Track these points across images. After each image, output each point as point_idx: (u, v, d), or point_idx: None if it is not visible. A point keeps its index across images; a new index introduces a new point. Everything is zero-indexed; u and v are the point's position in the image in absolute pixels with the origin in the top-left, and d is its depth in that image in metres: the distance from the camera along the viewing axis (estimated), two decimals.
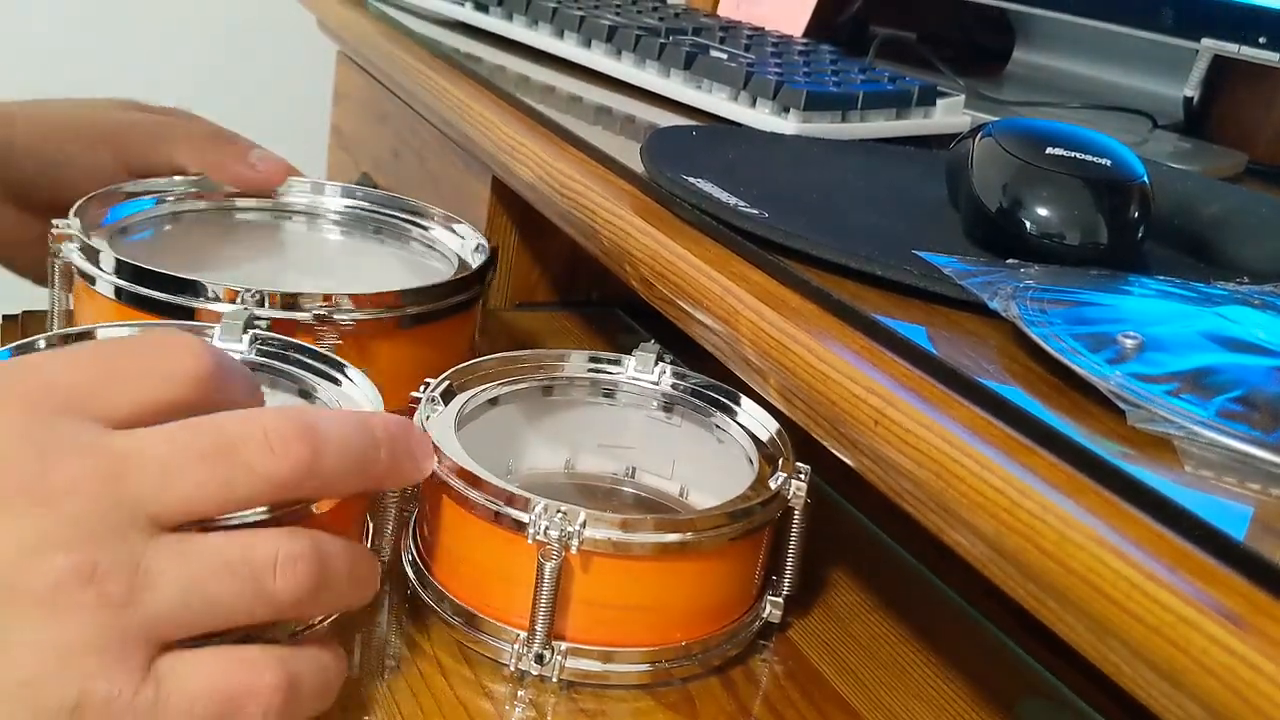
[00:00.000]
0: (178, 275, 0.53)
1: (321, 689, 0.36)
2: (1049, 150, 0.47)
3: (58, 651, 0.29)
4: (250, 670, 0.33)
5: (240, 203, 0.69)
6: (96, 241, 0.56)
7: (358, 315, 0.55)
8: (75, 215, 0.58)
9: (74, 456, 0.31)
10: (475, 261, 0.64)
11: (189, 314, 0.53)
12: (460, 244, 0.68)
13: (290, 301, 0.54)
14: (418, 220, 0.70)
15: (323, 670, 0.36)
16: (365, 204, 0.71)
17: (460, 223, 0.68)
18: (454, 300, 0.60)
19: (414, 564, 0.49)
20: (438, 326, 0.60)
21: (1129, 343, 0.37)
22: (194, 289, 0.53)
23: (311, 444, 0.34)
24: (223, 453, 0.33)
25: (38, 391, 0.32)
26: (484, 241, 0.65)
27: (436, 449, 0.47)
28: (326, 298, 0.54)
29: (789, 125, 0.63)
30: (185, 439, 0.33)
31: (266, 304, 0.53)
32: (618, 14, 0.78)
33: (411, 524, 0.51)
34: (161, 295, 0.53)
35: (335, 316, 0.55)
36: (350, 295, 0.55)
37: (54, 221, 0.57)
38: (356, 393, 0.47)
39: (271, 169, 0.65)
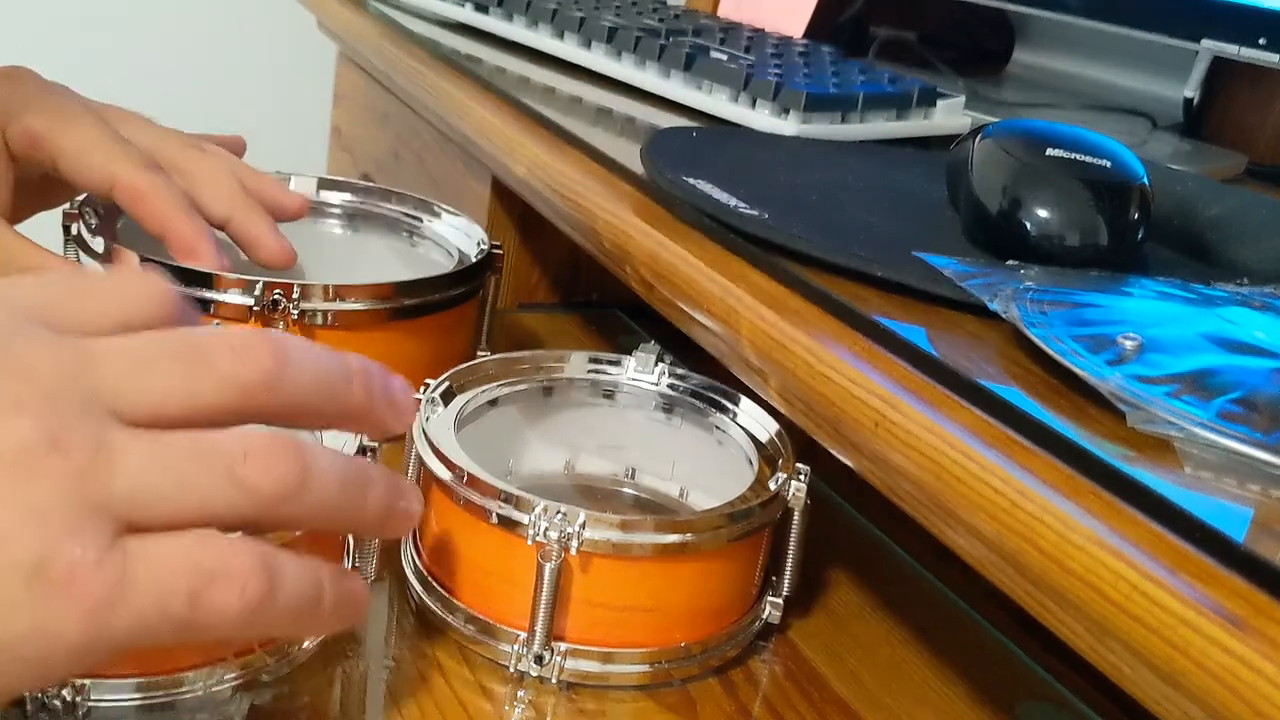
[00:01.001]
0: (188, 267, 0.54)
1: (309, 603, 0.34)
2: (1049, 151, 0.47)
3: (23, 510, 0.29)
4: (226, 551, 0.31)
5: None
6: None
7: (354, 306, 0.56)
8: (84, 205, 0.59)
9: (41, 344, 0.31)
10: (477, 257, 0.64)
11: (201, 305, 0.55)
12: (464, 240, 0.68)
13: (299, 292, 0.55)
14: (421, 215, 0.70)
15: (315, 583, 0.34)
16: (368, 199, 0.71)
17: (464, 219, 0.69)
18: (450, 293, 0.60)
19: (414, 565, 0.49)
20: (434, 319, 0.60)
21: (1129, 344, 0.37)
22: (206, 280, 0.55)
23: (278, 356, 0.33)
24: (189, 354, 0.32)
25: (4, 297, 0.32)
26: (485, 238, 0.66)
27: (437, 449, 0.47)
28: (325, 288, 0.56)
29: (789, 126, 0.63)
30: (152, 340, 0.32)
31: (274, 293, 0.55)
32: (618, 15, 0.78)
33: None
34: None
35: (332, 307, 0.56)
36: (347, 286, 0.56)
37: (64, 210, 0.58)
38: None
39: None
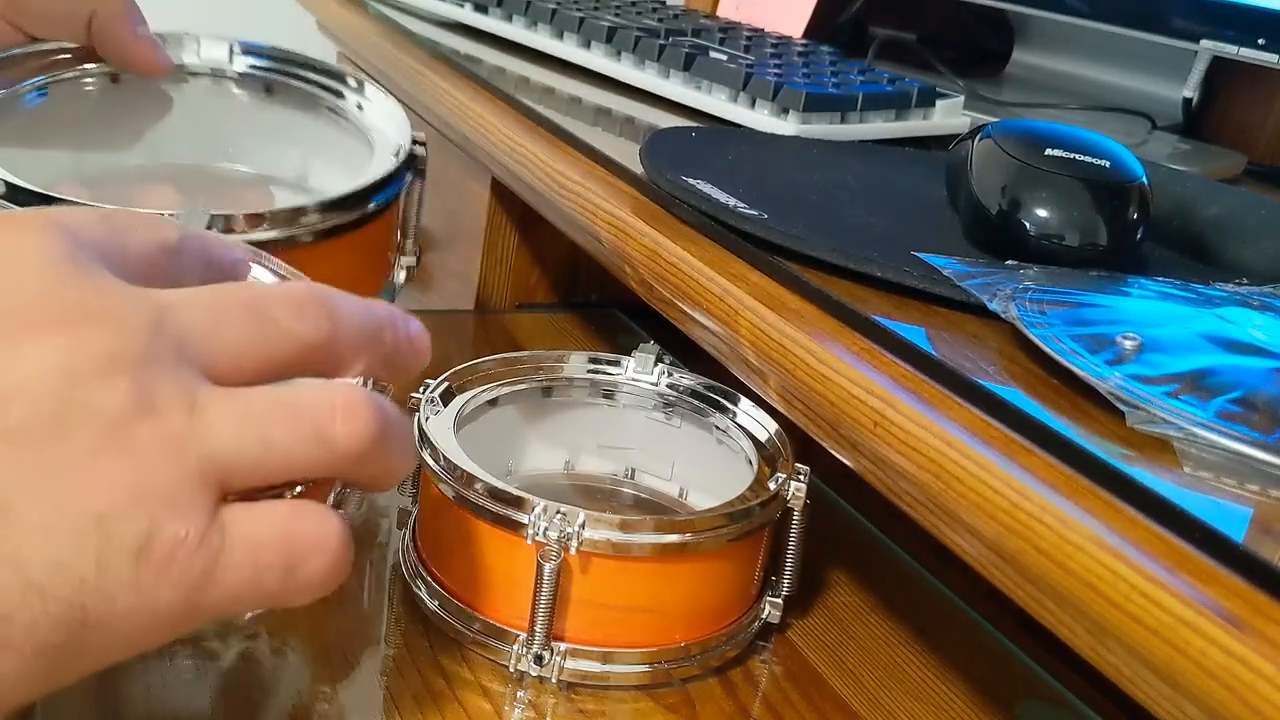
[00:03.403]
0: (52, 194, 0.47)
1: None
2: (1048, 151, 0.47)
3: (126, 486, 0.28)
4: (318, 523, 0.32)
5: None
6: None
7: (260, 235, 0.50)
8: None
9: (125, 289, 0.31)
10: (398, 153, 0.58)
11: None
12: (384, 121, 0.62)
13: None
14: (336, 88, 0.64)
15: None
16: (275, 65, 0.65)
17: (383, 94, 0.63)
18: (369, 210, 0.55)
19: (413, 565, 0.49)
20: (353, 237, 0.54)
21: (1128, 344, 0.37)
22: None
23: (329, 312, 0.34)
24: (257, 309, 0.32)
25: (75, 227, 0.32)
26: (410, 133, 0.59)
27: (437, 449, 0.47)
28: (227, 219, 0.49)
29: (788, 126, 0.63)
30: (216, 293, 0.32)
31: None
32: (617, 15, 0.78)
33: (411, 524, 0.51)
34: None
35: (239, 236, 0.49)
36: (246, 215, 0.49)
37: None
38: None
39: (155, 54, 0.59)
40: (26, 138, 0.57)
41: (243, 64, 0.64)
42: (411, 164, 0.59)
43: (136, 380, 0.29)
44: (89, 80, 0.60)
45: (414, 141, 0.59)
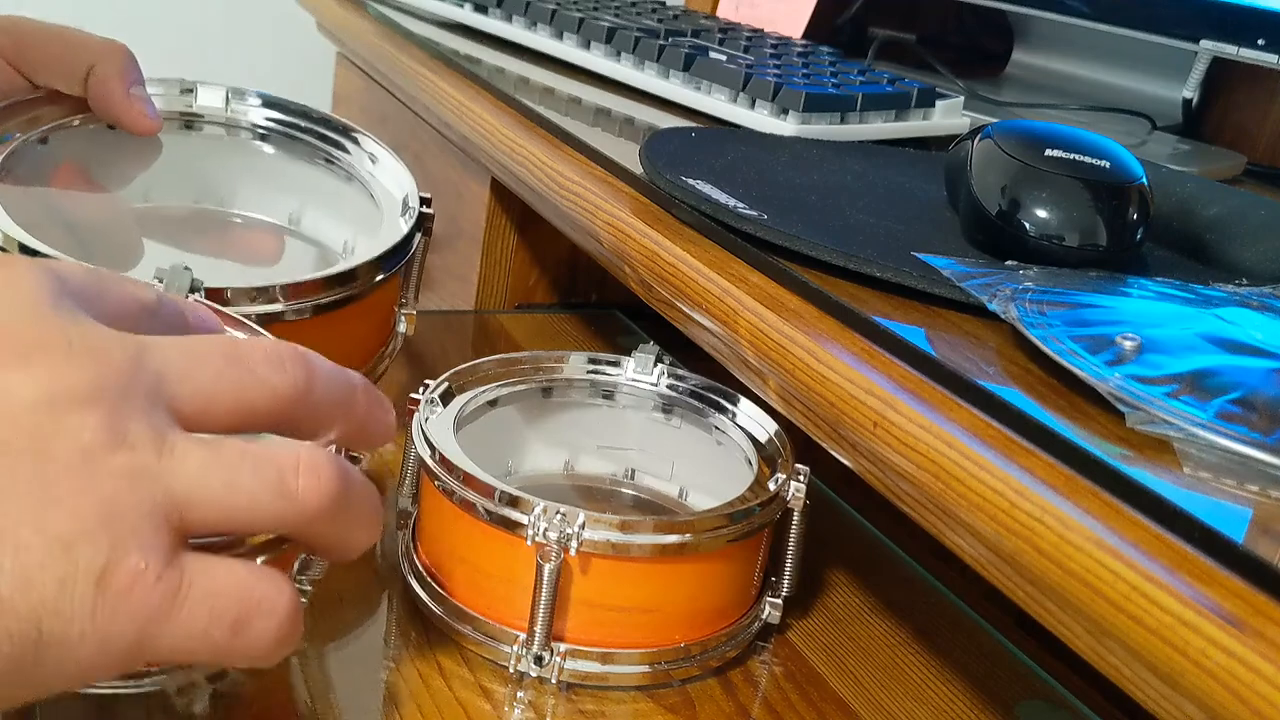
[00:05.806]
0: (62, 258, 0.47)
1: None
2: (1048, 152, 0.47)
3: (96, 515, 0.29)
4: (273, 587, 0.32)
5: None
6: None
7: (278, 307, 0.51)
8: None
9: (103, 329, 0.32)
10: (406, 211, 0.59)
11: None
12: (383, 174, 0.63)
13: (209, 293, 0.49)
14: (336, 138, 0.65)
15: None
16: (272, 114, 0.66)
17: (393, 157, 0.63)
18: (377, 280, 0.55)
19: (413, 565, 0.49)
20: (362, 304, 0.55)
21: (1128, 344, 0.37)
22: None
23: (306, 369, 0.35)
24: (234, 357, 0.33)
25: (62, 273, 0.33)
26: (414, 189, 0.60)
27: (436, 450, 0.47)
28: (217, 291, 0.49)
29: (788, 127, 0.63)
30: (195, 339, 0.34)
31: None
32: (617, 16, 0.78)
33: (411, 525, 0.51)
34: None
35: (249, 309, 0.50)
36: (256, 289, 0.50)
37: None
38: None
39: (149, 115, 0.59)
40: (30, 182, 0.58)
41: (238, 111, 0.66)
42: (420, 225, 0.60)
43: (113, 413, 0.30)
44: (90, 126, 0.61)
45: (421, 201, 0.60)
